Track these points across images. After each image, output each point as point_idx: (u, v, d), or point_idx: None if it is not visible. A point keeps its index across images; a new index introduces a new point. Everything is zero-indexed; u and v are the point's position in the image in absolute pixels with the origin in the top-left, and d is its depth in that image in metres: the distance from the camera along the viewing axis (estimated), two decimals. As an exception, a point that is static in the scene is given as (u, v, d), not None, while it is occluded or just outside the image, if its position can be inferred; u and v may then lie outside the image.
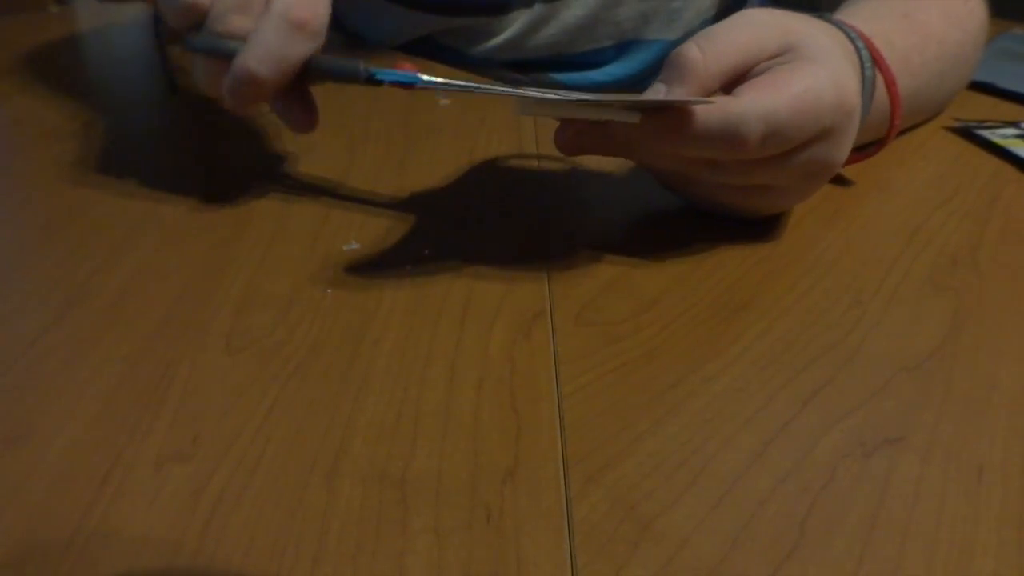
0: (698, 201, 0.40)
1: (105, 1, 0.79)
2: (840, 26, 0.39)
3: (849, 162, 0.41)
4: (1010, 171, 0.46)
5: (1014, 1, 0.76)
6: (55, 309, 0.33)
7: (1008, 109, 0.56)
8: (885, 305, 0.33)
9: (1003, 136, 0.49)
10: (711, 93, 0.34)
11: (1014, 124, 0.51)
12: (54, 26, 0.77)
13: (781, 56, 0.34)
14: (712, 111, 0.31)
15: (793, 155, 0.34)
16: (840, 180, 0.44)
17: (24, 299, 0.33)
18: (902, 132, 0.50)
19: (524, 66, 0.63)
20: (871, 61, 0.39)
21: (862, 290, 0.34)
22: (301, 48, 0.34)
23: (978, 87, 0.59)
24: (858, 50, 0.39)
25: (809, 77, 0.33)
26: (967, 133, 0.50)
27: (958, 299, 0.34)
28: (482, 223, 0.39)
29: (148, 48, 0.69)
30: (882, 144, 0.43)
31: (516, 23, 0.61)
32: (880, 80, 0.41)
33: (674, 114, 0.32)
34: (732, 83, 0.34)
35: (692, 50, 0.33)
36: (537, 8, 0.61)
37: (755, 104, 0.32)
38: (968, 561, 0.22)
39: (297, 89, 0.37)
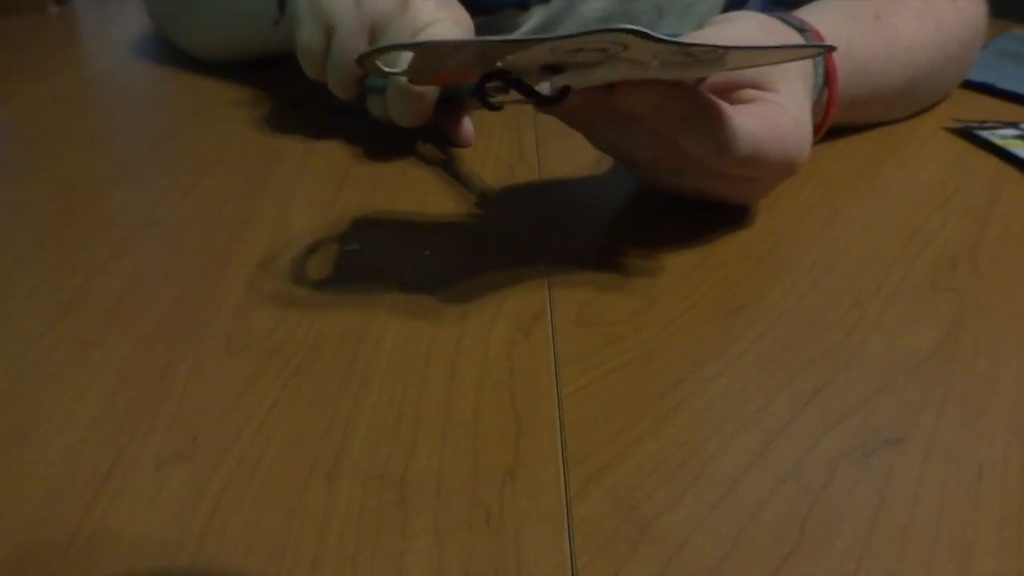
0: (658, 185, 0.41)
1: None
2: (804, 34, 0.41)
3: None
4: (1010, 171, 0.46)
5: (1014, 1, 0.76)
6: (55, 309, 0.33)
7: (1008, 110, 0.56)
8: (885, 305, 0.33)
9: (1003, 137, 0.49)
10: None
11: (1014, 125, 0.52)
12: (54, 26, 0.78)
13: (761, 88, 0.36)
14: (710, 107, 0.32)
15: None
16: (837, 181, 0.44)
17: (24, 299, 0.33)
18: (890, 123, 0.51)
19: None
20: (824, 77, 0.42)
21: (862, 290, 0.34)
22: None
23: (978, 87, 0.59)
24: (815, 65, 0.41)
25: (788, 123, 0.35)
26: (967, 134, 0.50)
27: (958, 299, 0.34)
28: (482, 223, 0.39)
29: (147, 47, 0.69)
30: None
31: (534, 19, 0.61)
32: (824, 95, 0.43)
33: (686, 91, 0.32)
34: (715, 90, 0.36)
35: None
36: (555, 4, 0.61)
37: (748, 125, 0.33)
38: (968, 561, 0.22)
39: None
